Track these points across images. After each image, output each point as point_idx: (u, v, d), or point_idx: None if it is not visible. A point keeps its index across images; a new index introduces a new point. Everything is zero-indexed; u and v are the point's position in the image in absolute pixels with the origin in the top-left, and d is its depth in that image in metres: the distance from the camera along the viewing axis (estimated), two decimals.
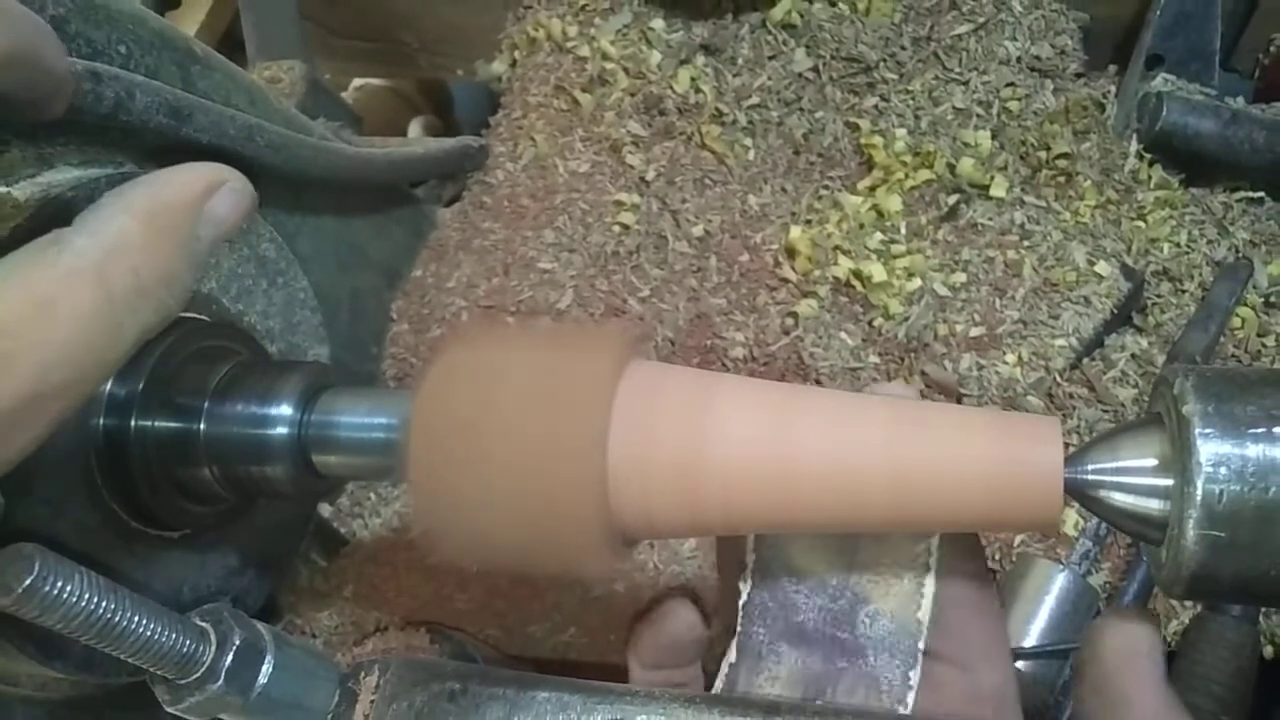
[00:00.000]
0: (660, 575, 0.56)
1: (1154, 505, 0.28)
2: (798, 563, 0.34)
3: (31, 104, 0.30)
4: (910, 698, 0.32)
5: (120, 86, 0.37)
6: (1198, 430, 0.26)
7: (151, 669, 0.30)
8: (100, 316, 0.26)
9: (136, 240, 0.27)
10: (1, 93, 0.27)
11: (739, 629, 0.34)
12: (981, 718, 0.32)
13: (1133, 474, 0.29)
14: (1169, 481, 0.28)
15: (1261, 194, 0.72)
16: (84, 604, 0.27)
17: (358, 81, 1.17)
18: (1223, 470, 0.26)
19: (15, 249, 0.34)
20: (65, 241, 0.27)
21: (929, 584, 0.33)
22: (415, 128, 1.15)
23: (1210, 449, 0.26)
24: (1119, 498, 0.29)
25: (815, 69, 0.76)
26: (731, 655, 0.34)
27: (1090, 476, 0.29)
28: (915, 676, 0.32)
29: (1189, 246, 0.70)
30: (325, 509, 0.56)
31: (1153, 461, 0.28)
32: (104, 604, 0.27)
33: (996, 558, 0.60)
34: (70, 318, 0.25)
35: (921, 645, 0.32)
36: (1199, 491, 0.26)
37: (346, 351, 0.57)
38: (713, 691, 0.34)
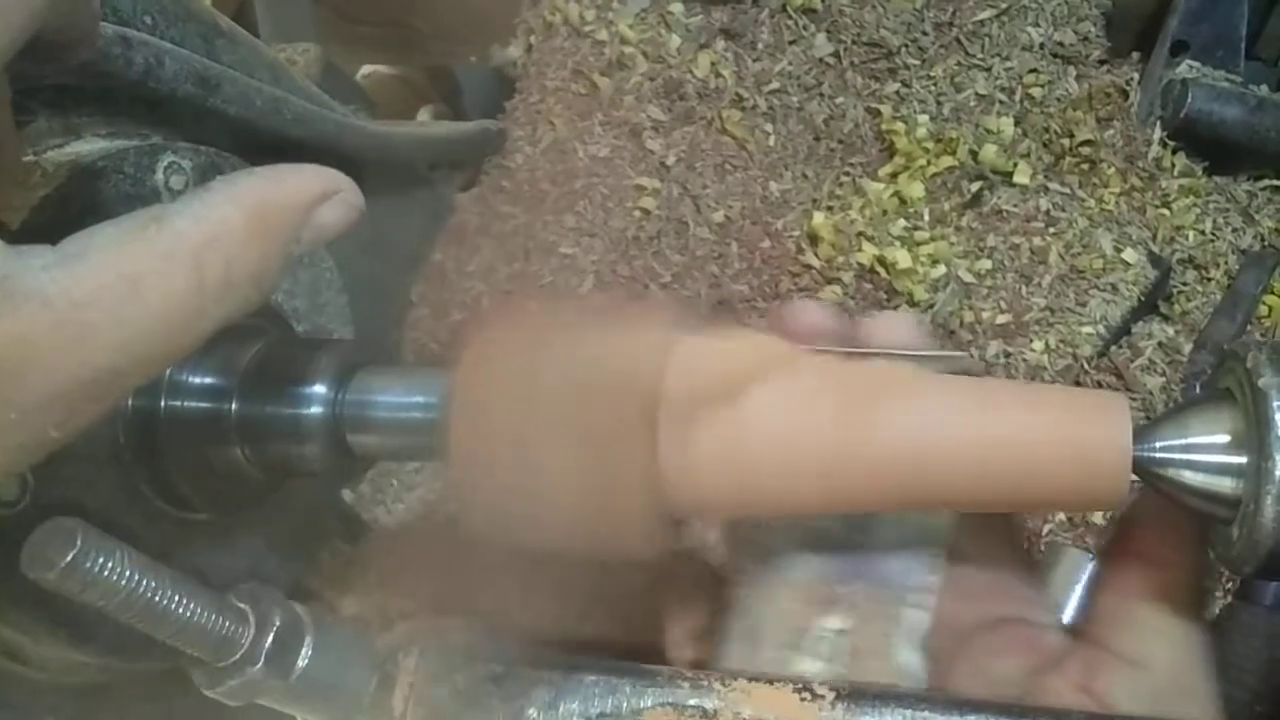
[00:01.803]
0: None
1: (1226, 483, 0.27)
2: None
3: (64, 45, 0.29)
4: (932, 601, 0.32)
5: (150, 52, 0.36)
6: (1276, 403, 0.26)
7: (190, 650, 0.29)
8: (188, 303, 0.26)
9: (238, 234, 0.27)
10: (49, 28, 0.26)
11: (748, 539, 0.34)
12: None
13: (1204, 450, 0.28)
14: (1243, 459, 0.27)
15: None
16: (126, 581, 0.26)
17: (365, 69, 1.16)
18: None
19: (42, 217, 0.33)
20: (166, 221, 0.26)
21: None
22: (424, 115, 1.13)
23: None
24: (1189, 475, 0.28)
25: (836, 54, 0.75)
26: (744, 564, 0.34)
27: (1159, 454, 0.28)
28: (937, 581, 0.33)
29: (1214, 234, 0.69)
30: (347, 495, 0.55)
31: (1225, 438, 0.28)
32: (145, 581, 0.26)
33: (1025, 546, 0.59)
34: (158, 299, 0.25)
35: (943, 551, 0.32)
36: (1278, 467, 0.25)
37: (367, 335, 0.55)
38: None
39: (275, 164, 0.30)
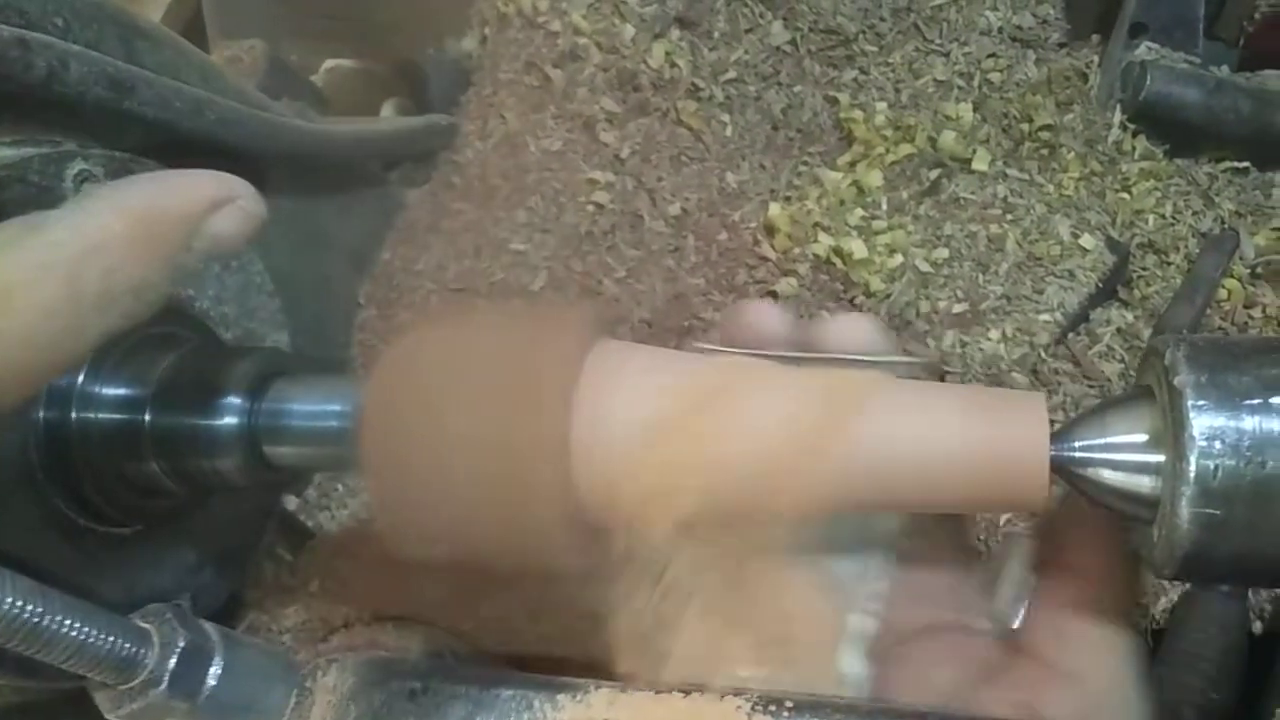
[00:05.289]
0: None
1: (1145, 482, 0.27)
2: None
3: None
4: (880, 608, 0.32)
5: (53, 55, 0.35)
6: (1191, 402, 0.25)
7: (89, 674, 0.28)
8: (63, 315, 0.25)
9: (119, 244, 0.26)
10: None
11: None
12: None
13: (1122, 450, 0.27)
14: (1160, 458, 0.26)
15: (1247, 164, 0.71)
16: (7, 606, 0.25)
17: (329, 63, 1.14)
18: (1217, 444, 0.25)
19: None
20: (44, 230, 0.25)
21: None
22: (388, 109, 1.12)
23: (1204, 422, 0.25)
24: (1108, 475, 0.27)
25: (793, 42, 0.74)
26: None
27: (1078, 454, 0.28)
28: (886, 586, 0.32)
29: (1174, 218, 0.69)
30: (291, 501, 0.54)
31: (1143, 437, 0.27)
32: (29, 605, 0.25)
33: (981, 537, 0.59)
34: (31, 311, 0.24)
35: (893, 555, 0.32)
36: (1192, 467, 0.25)
37: (313, 339, 0.55)
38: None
39: (169, 169, 0.29)
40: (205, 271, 0.43)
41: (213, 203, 0.28)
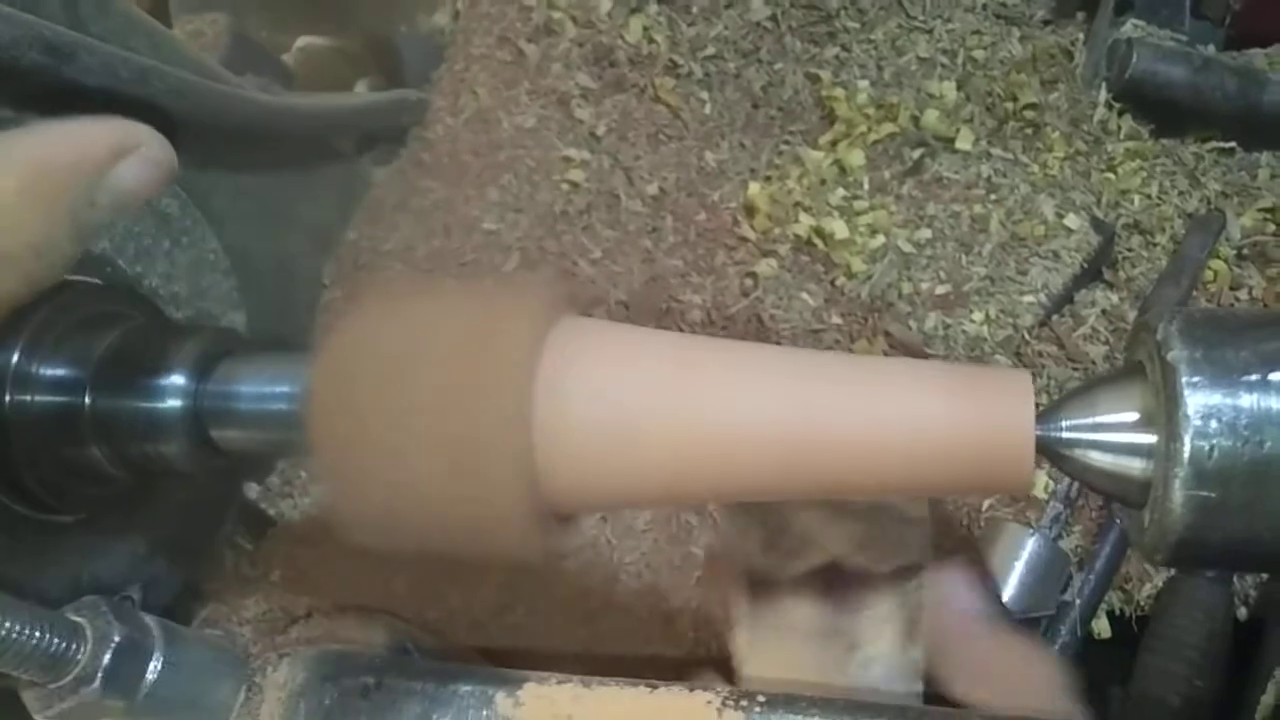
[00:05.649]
0: (614, 551, 0.53)
1: (1135, 465, 0.25)
2: (787, 605, 0.32)
3: None
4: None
5: None
6: (1185, 379, 0.24)
7: (13, 671, 0.26)
8: None
9: (9, 200, 0.24)
10: None
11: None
12: None
13: (1112, 430, 0.26)
14: (1152, 438, 0.25)
15: (1233, 144, 0.70)
16: None
17: (300, 41, 1.11)
18: (1213, 423, 0.23)
19: None
20: None
21: (920, 621, 0.30)
22: (361, 88, 1.09)
23: (1199, 400, 0.23)
24: (1097, 457, 0.26)
25: (774, 17, 0.72)
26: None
27: (1065, 434, 0.26)
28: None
29: (1160, 198, 0.68)
30: (253, 489, 0.52)
31: (1134, 416, 0.26)
32: None
33: (965, 523, 0.57)
34: None
35: (919, 686, 0.30)
36: (1187, 448, 0.23)
37: (274, 319, 0.52)
38: None
39: (64, 118, 0.26)
40: (154, 248, 0.41)
41: (113, 151, 0.26)
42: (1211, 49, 0.72)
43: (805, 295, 0.63)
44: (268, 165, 0.55)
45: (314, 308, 0.60)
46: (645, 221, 0.66)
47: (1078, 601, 0.55)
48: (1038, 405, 0.27)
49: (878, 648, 0.31)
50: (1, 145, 0.24)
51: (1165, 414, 0.24)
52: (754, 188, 0.66)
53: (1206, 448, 0.23)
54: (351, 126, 0.63)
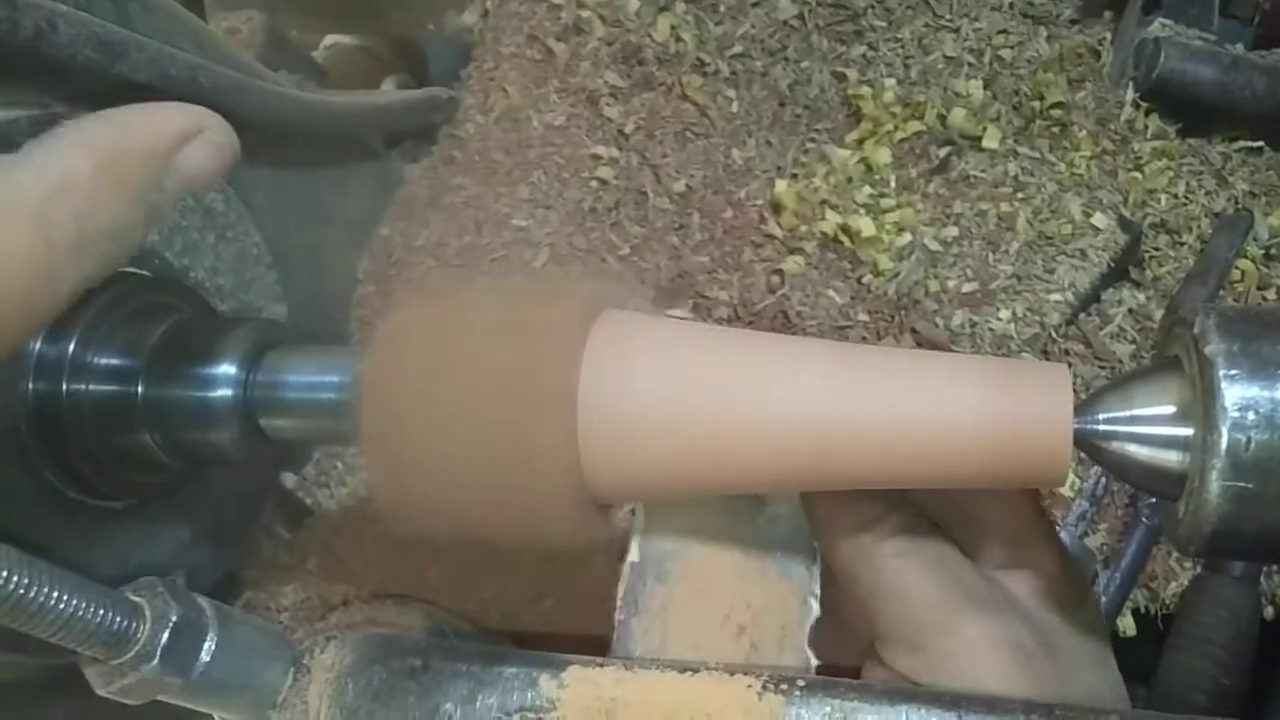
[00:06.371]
0: None
1: (1172, 457, 0.26)
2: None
3: None
4: (816, 589, 0.32)
5: (40, 16, 0.34)
6: (1222, 372, 0.24)
7: (78, 649, 0.27)
8: (35, 263, 0.23)
9: (86, 184, 0.24)
10: None
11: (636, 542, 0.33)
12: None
13: (1149, 423, 0.26)
14: (1189, 431, 0.25)
15: (1261, 143, 0.70)
16: None
17: (328, 40, 1.13)
18: (1250, 415, 0.24)
19: None
20: (6, 173, 0.23)
21: None
22: (388, 86, 1.11)
23: (1236, 392, 0.24)
24: (1133, 449, 0.26)
25: (800, 16, 0.73)
26: (633, 555, 0.32)
27: (1102, 427, 0.27)
28: (817, 571, 0.32)
29: (1187, 198, 0.68)
30: (290, 478, 0.53)
31: (1170, 409, 0.26)
32: (14, 577, 0.24)
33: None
34: (1, 260, 0.22)
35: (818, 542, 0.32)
36: (1224, 439, 0.24)
37: (308, 313, 0.53)
38: (616, 605, 0.31)
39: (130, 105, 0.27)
40: (201, 241, 0.42)
41: (179, 136, 0.26)
42: (1240, 48, 0.72)
43: (832, 292, 0.64)
44: (304, 161, 0.56)
45: (348, 302, 0.61)
46: (673, 218, 0.67)
47: (1103, 599, 0.55)
48: (1075, 397, 0.27)
49: (782, 506, 0.32)
50: (76, 130, 0.25)
51: (1202, 406, 0.25)
52: (781, 185, 0.67)
53: (1244, 439, 0.24)
54: (384, 124, 0.64)
